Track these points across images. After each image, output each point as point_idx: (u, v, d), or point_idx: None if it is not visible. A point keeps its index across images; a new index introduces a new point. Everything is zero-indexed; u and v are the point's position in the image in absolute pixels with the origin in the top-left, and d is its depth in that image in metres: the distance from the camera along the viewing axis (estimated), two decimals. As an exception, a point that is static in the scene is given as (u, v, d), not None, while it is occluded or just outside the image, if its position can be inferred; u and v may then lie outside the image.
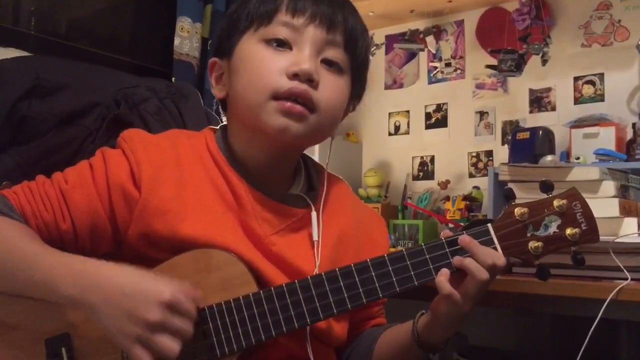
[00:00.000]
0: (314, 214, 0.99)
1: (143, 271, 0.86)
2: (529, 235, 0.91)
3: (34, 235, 0.90)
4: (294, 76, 0.93)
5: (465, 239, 0.90)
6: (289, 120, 0.93)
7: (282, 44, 0.95)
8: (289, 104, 0.92)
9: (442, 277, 0.89)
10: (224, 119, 1.08)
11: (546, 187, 0.92)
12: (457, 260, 0.89)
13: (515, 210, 0.92)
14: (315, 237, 0.98)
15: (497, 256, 0.89)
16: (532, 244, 0.91)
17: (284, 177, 1.04)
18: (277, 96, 0.93)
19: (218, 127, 1.06)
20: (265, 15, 0.96)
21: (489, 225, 0.92)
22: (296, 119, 0.93)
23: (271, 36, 0.95)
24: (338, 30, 0.97)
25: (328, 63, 0.97)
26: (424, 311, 0.98)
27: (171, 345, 0.80)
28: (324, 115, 0.95)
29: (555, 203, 0.91)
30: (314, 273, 0.94)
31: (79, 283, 0.83)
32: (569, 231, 0.90)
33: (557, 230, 0.91)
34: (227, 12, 1.04)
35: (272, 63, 0.94)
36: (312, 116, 0.94)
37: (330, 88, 0.96)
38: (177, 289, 0.83)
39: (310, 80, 0.93)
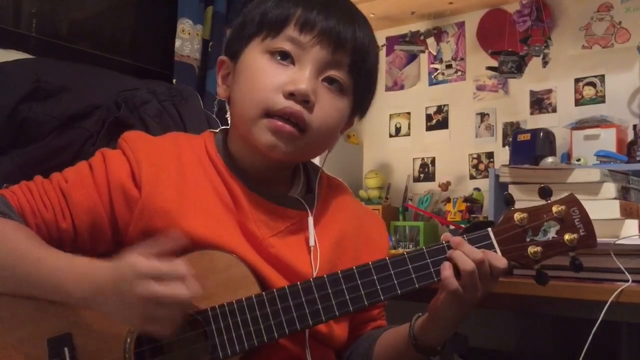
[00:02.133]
0: (310, 219, 1.00)
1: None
2: (528, 240, 0.92)
3: (35, 236, 0.90)
4: (290, 95, 0.92)
5: (456, 239, 0.91)
6: (278, 140, 0.93)
7: (285, 57, 0.95)
8: (280, 123, 0.92)
9: (449, 272, 0.89)
10: (228, 119, 1.08)
11: (545, 192, 0.93)
12: (452, 240, 0.91)
13: (515, 215, 0.93)
14: (311, 243, 0.98)
15: (496, 258, 0.90)
16: (531, 249, 0.92)
17: (282, 180, 1.05)
18: (270, 113, 0.93)
19: (218, 130, 1.06)
20: (275, 26, 0.95)
21: (489, 229, 0.93)
22: (285, 139, 0.93)
23: (276, 49, 0.95)
24: (345, 51, 0.95)
25: (329, 81, 0.96)
26: (420, 314, 0.99)
27: (170, 313, 0.79)
28: (315, 136, 0.95)
29: (554, 209, 0.92)
30: (313, 277, 0.95)
31: (80, 286, 0.84)
32: (567, 237, 0.92)
33: (555, 236, 0.92)
34: (243, 11, 1.03)
35: (270, 78, 0.94)
36: (303, 137, 0.94)
37: (326, 110, 0.95)
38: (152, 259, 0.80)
39: (306, 101, 0.93)
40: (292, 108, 0.92)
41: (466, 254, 0.89)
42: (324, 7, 0.95)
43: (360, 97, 1.02)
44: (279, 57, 0.95)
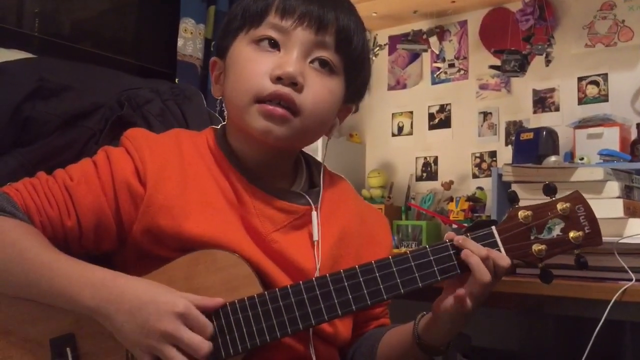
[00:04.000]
0: (314, 213, 1.00)
1: (158, 283, 0.87)
2: (532, 238, 0.91)
3: (45, 239, 0.90)
4: (278, 79, 0.93)
5: (459, 237, 0.91)
6: (271, 124, 0.93)
7: (271, 45, 0.95)
8: (270, 107, 0.93)
9: (475, 258, 0.88)
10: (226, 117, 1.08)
11: (549, 190, 0.92)
12: (456, 239, 0.90)
13: (519, 213, 0.92)
14: (315, 237, 0.98)
15: (499, 257, 0.89)
16: (536, 247, 0.91)
17: (284, 174, 1.05)
18: (260, 99, 0.93)
19: (219, 127, 1.06)
20: (256, 17, 0.97)
21: (493, 228, 0.92)
22: (278, 122, 0.93)
23: (260, 37, 0.96)
24: (328, 31, 0.96)
25: (320, 64, 0.96)
26: (424, 312, 0.98)
27: (179, 358, 0.81)
28: (309, 118, 0.95)
29: (559, 206, 0.91)
30: (315, 273, 0.95)
31: (98, 295, 0.84)
32: (572, 234, 0.91)
33: (560, 234, 0.91)
34: (227, 12, 1.04)
35: (257, 65, 0.94)
36: (296, 119, 0.94)
37: (317, 90, 0.95)
38: (192, 300, 0.84)
39: (294, 83, 0.93)
40: (281, 91, 0.92)
41: (474, 250, 0.88)
42: None
43: (352, 79, 1.02)
44: (265, 44, 0.96)
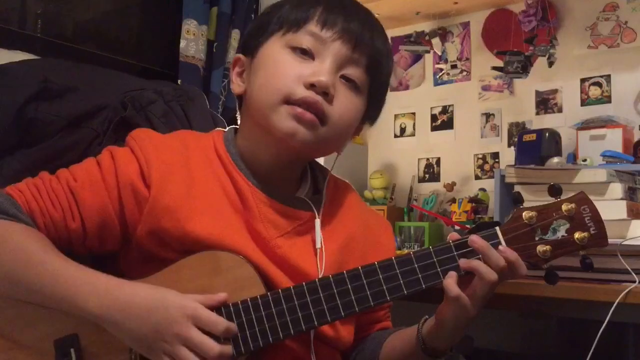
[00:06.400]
0: (317, 220, 1.00)
1: (163, 287, 0.87)
2: (537, 239, 0.91)
3: (49, 244, 0.90)
4: (311, 86, 0.93)
5: (475, 240, 0.89)
6: (299, 126, 0.93)
7: (305, 53, 0.96)
8: (300, 110, 0.93)
9: (450, 280, 0.88)
10: (237, 118, 1.08)
11: (555, 190, 0.92)
12: (463, 262, 0.88)
13: (524, 213, 0.91)
14: (318, 245, 0.98)
15: (521, 266, 0.89)
16: (540, 248, 0.90)
17: (291, 180, 1.05)
18: (289, 101, 0.94)
19: (227, 129, 1.06)
20: (296, 22, 0.97)
21: (497, 228, 0.92)
22: (306, 125, 0.93)
23: (297, 44, 0.96)
24: (363, 50, 0.97)
25: (347, 80, 0.97)
26: (427, 317, 0.98)
27: (192, 358, 0.82)
28: (333, 129, 0.96)
29: (564, 207, 0.91)
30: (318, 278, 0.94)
31: (104, 303, 0.84)
32: (577, 235, 0.90)
33: (565, 234, 0.91)
34: (260, 14, 1.05)
35: (291, 68, 0.95)
36: (322, 128, 0.95)
37: (345, 104, 0.96)
38: (201, 300, 0.85)
39: (325, 93, 0.94)
40: (312, 97, 0.93)
41: (490, 263, 0.88)
42: (344, 10, 0.98)
43: (373, 101, 1.03)
44: (299, 52, 0.96)
